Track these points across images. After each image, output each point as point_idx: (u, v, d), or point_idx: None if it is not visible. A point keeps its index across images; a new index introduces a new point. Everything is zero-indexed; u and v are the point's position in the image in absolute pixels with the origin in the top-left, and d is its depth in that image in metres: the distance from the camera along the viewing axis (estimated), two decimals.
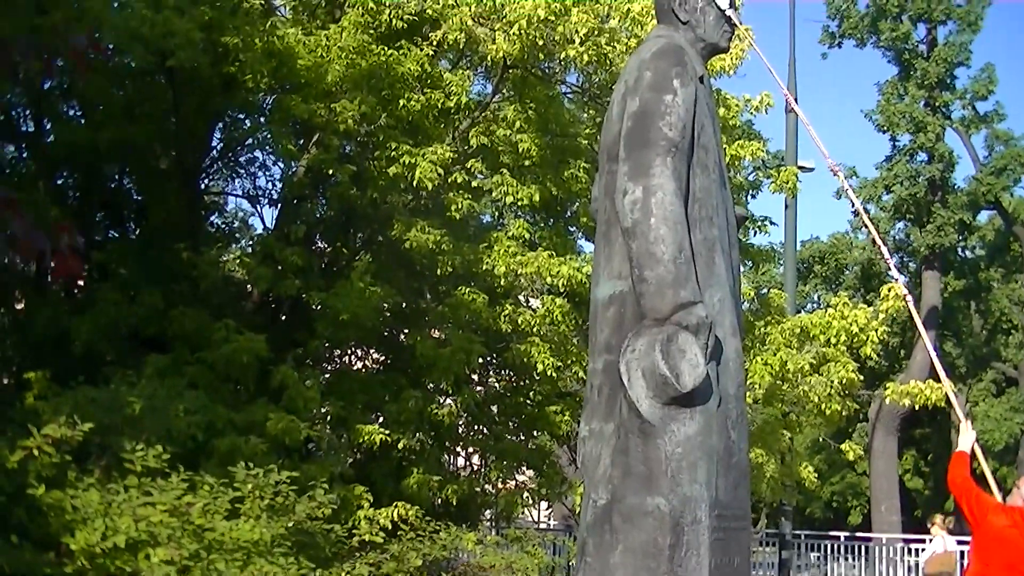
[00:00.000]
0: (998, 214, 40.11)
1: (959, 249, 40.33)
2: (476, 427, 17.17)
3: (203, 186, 17.54)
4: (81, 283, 15.43)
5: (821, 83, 69.16)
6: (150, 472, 9.53)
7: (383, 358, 17.43)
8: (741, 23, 6.07)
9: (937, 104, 36.09)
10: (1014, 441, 38.33)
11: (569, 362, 15.12)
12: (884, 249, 7.85)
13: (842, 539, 30.62)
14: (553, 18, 13.93)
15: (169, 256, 15.16)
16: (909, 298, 8.25)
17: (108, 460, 9.92)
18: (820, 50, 38.61)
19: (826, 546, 29.31)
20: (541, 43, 14.53)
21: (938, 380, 15.78)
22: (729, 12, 5.88)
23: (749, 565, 5.55)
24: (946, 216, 36.03)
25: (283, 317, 16.28)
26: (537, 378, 15.63)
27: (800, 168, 20.29)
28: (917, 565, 26.15)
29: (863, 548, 28.16)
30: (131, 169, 17.08)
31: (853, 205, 37.52)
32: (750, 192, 20.64)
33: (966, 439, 7.65)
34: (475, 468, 18.01)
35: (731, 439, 5.32)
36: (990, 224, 43.61)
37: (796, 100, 22.31)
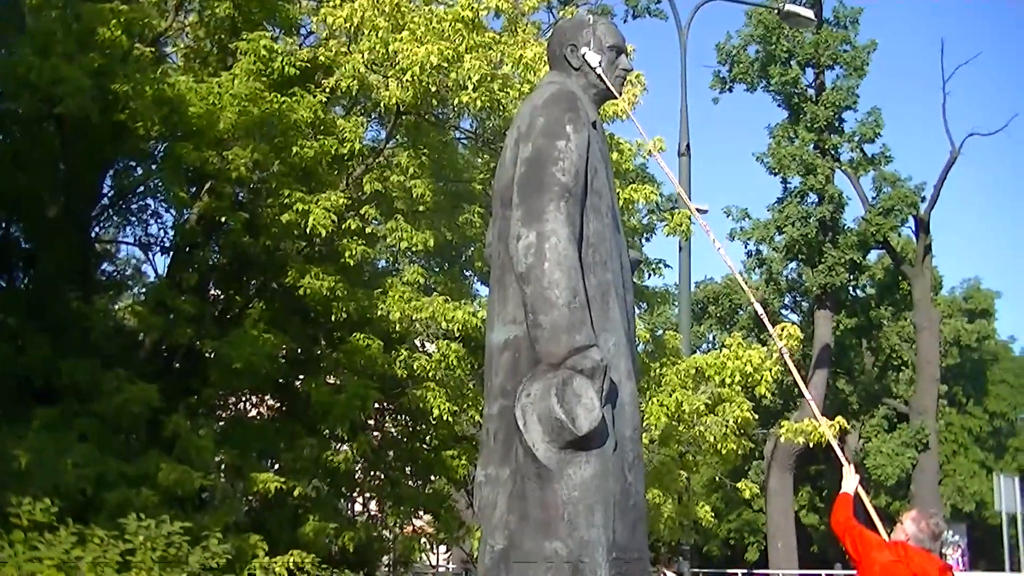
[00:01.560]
0: (887, 253, 40.85)
1: (850, 288, 40.93)
2: (373, 473, 17.09)
3: (94, 234, 17.29)
4: None
5: (714, 127, 70.24)
6: (37, 526, 9.36)
7: (278, 405, 17.27)
8: (631, 69, 6.13)
9: (826, 147, 36.71)
10: (906, 476, 38.86)
11: (465, 406, 15.13)
12: (757, 305, 7.91)
13: None
14: (446, 64, 13.98)
15: (59, 305, 14.91)
16: (786, 353, 8.36)
17: None
18: (712, 95, 39.06)
19: None
20: (434, 89, 14.59)
21: (831, 418, 16.05)
22: (598, 69, 5.93)
23: None
24: (837, 256, 36.60)
25: (176, 365, 16.06)
26: (433, 423, 15.58)
27: (699, 210, 20.48)
28: None
29: None
30: (19, 217, 16.78)
31: (745, 247, 37.96)
32: (644, 235, 20.81)
33: (849, 482, 7.76)
34: (372, 514, 17.91)
35: (628, 481, 5.33)
36: (879, 263, 44.43)
37: (688, 144, 22.59)
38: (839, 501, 7.84)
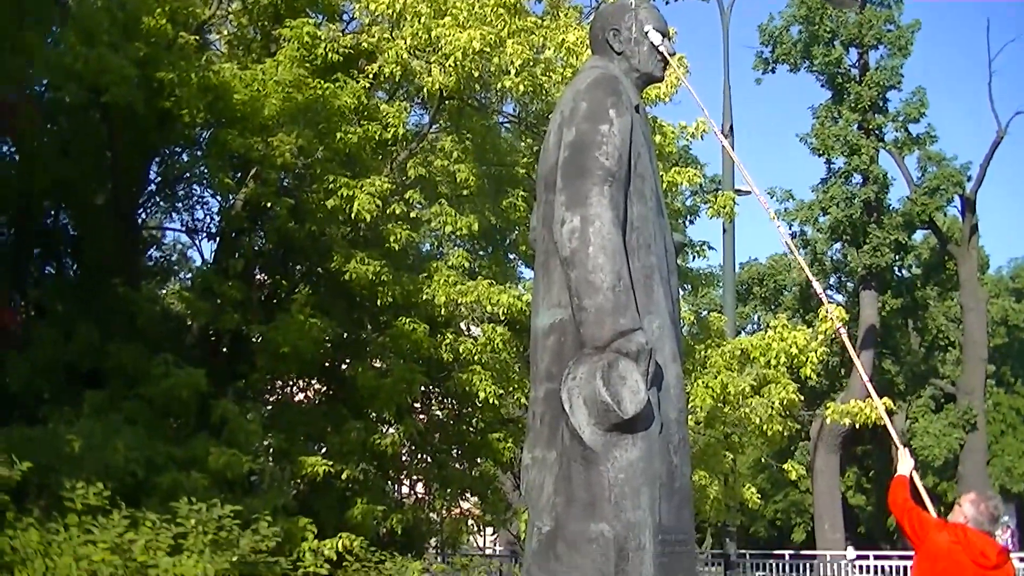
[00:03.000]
0: (932, 233, 40.64)
1: (895, 269, 40.77)
2: (419, 456, 17.14)
3: (140, 221, 17.45)
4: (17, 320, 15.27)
5: (756, 108, 69.96)
6: (91, 510, 9.46)
7: (324, 389, 17.36)
8: (674, 53, 6.13)
9: (870, 127, 36.54)
10: (953, 456, 38.67)
11: (511, 389, 15.15)
12: (814, 281, 7.90)
13: (787, 558, 30.79)
14: (488, 50, 13.99)
15: (106, 292, 15.05)
16: (843, 331, 8.32)
17: (47, 499, 9.83)
18: (755, 75, 38.94)
19: (771, 565, 29.42)
20: (477, 74, 14.61)
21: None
22: (661, 47, 5.94)
23: None
24: (882, 236, 36.45)
25: (223, 351, 16.20)
26: (479, 406, 15.65)
27: (737, 192, 20.43)
28: None
29: (808, 566, 28.31)
30: (67, 205, 16.96)
31: (789, 229, 37.79)
32: (688, 217, 20.80)
33: (904, 465, 7.71)
34: (419, 496, 17.98)
35: (673, 464, 5.34)
36: (925, 243, 44.15)
37: (732, 126, 22.56)
38: (895, 483, 7.80)
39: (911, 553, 7.99)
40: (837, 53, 36.63)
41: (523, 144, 17.47)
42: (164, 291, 18.74)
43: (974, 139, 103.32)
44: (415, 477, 17.65)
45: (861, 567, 27.21)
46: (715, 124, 8.92)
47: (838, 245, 39.43)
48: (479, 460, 16.93)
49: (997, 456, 47.15)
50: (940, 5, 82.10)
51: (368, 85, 15.28)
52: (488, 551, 30.25)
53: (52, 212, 17.35)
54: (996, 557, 7.38)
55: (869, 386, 8.56)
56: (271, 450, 14.44)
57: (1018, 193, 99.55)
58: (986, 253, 47.45)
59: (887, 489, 8.01)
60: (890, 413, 9.62)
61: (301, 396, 17.59)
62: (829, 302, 17.73)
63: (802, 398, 17.86)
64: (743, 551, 29.60)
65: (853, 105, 36.30)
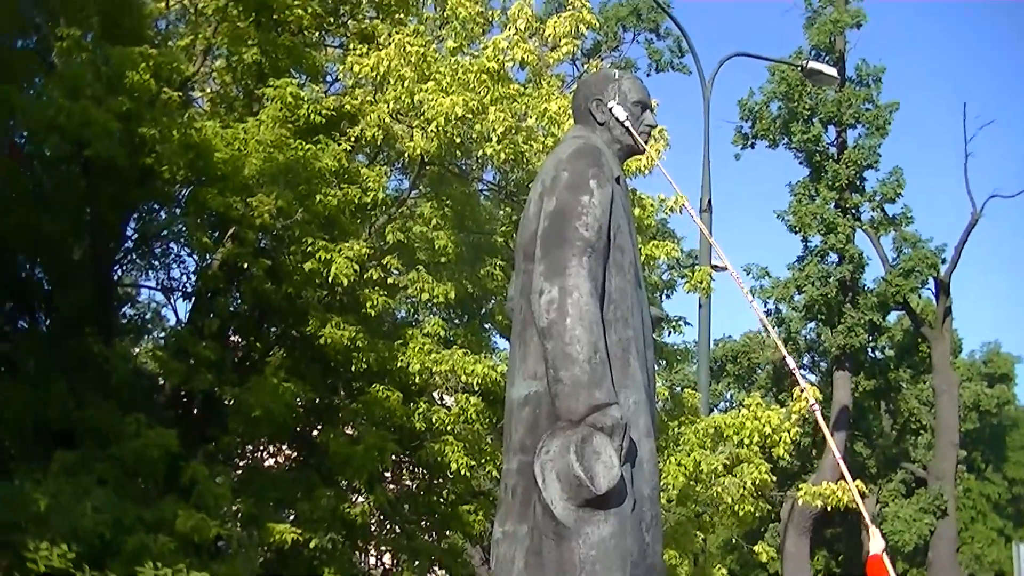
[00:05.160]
0: (907, 315, 40.77)
1: (869, 349, 40.88)
2: (388, 526, 16.99)
3: (116, 277, 17.32)
4: None
5: (735, 183, 70.31)
6: (54, 572, 9.31)
7: (295, 455, 17.21)
8: (655, 125, 6.14)
9: (847, 206, 36.78)
10: (923, 542, 38.60)
11: (483, 461, 15.04)
12: (789, 360, 7.88)
13: None
14: (471, 116, 14.03)
15: (79, 347, 14.92)
16: (817, 409, 8.30)
17: (10, 559, 9.67)
18: (734, 150, 39.23)
19: None
20: (458, 141, 14.65)
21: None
22: (626, 122, 5.94)
23: None
24: (856, 317, 36.57)
25: (195, 412, 16.04)
26: (451, 477, 15.51)
27: (714, 267, 20.46)
28: None
29: None
30: (42, 259, 16.83)
31: (764, 306, 37.91)
32: (665, 291, 20.81)
33: (876, 543, 7.68)
34: (387, 568, 17.80)
35: (645, 541, 5.29)
36: (899, 325, 44.30)
37: (710, 200, 22.57)
38: (873, 566, 7.74)
39: None
40: (816, 130, 36.94)
41: (502, 212, 17.49)
42: (137, 349, 18.57)
43: (950, 221, 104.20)
44: (383, 547, 17.48)
45: None
46: (688, 202, 8.94)
47: (812, 324, 39.54)
48: (448, 532, 16.80)
49: (967, 543, 47.19)
50: (919, 86, 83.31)
51: (349, 148, 15.30)
52: None
53: (27, 265, 17.21)
54: None
55: (843, 465, 8.49)
56: (239, 515, 14.27)
57: (992, 277, 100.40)
58: (959, 337, 47.76)
59: (863, 572, 7.93)
60: (862, 495, 9.59)
61: (272, 461, 17.44)
62: (801, 393, 17.70)
63: (774, 478, 17.77)
64: None
65: (831, 183, 36.56)
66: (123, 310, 18.87)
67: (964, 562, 44.85)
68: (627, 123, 5.94)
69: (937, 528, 37.92)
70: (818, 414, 7.79)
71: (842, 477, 17.77)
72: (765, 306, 38.59)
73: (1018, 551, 27.40)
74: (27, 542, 9.49)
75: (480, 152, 14.89)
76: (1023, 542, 29.63)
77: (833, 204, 36.86)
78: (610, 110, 5.94)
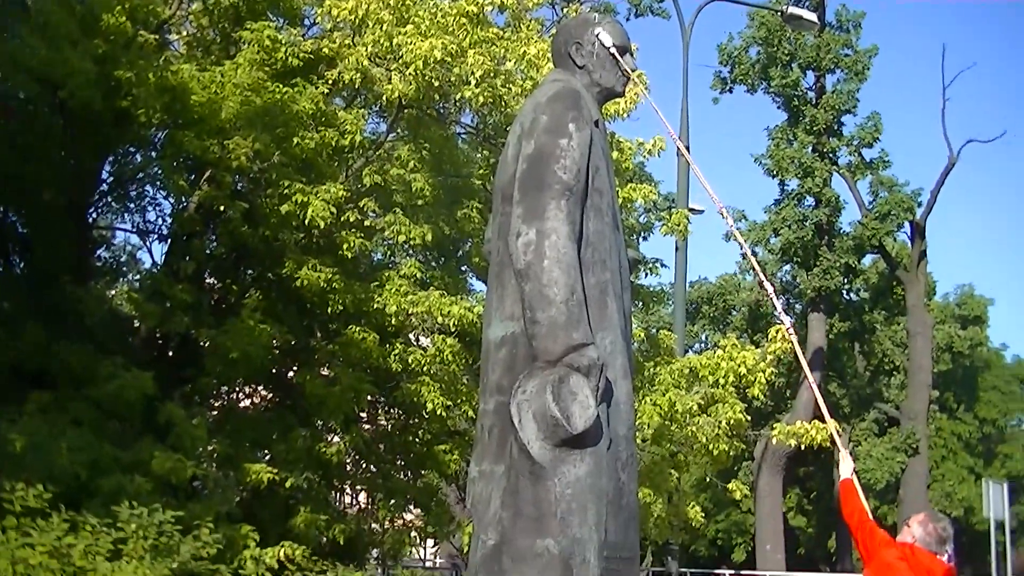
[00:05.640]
0: (882, 258, 40.95)
1: (844, 292, 41.03)
2: (364, 465, 17.07)
3: (92, 220, 17.26)
4: None
5: (713, 127, 70.35)
6: (30, 512, 9.35)
7: (272, 396, 17.26)
8: (635, 69, 6.15)
9: (825, 150, 36.78)
10: (895, 480, 38.97)
11: (459, 401, 15.11)
12: (771, 290, 7.96)
13: None
14: (449, 59, 13.99)
15: (54, 291, 14.90)
16: (795, 339, 8.40)
17: None
18: (712, 95, 39.11)
19: None
20: (437, 84, 14.59)
21: (823, 420, 16.06)
22: (622, 60, 5.95)
23: None
24: (832, 260, 36.71)
25: (171, 354, 16.07)
26: (427, 417, 15.61)
27: (690, 211, 20.48)
28: None
29: None
30: (18, 203, 16.75)
31: (741, 248, 38.09)
32: (642, 234, 20.82)
33: (846, 466, 7.83)
34: (363, 507, 17.90)
35: (621, 480, 5.34)
36: (874, 268, 44.47)
37: (688, 144, 22.59)
38: (845, 490, 7.87)
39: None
40: (794, 75, 36.88)
41: (480, 155, 17.48)
42: (113, 292, 18.54)
43: (926, 165, 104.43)
44: (359, 487, 17.57)
45: None
46: (679, 140, 8.97)
47: (788, 267, 39.67)
48: (424, 472, 16.89)
49: (938, 481, 47.63)
50: (898, 31, 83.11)
51: (327, 91, 15.24)
52: (429, 564, 30.18)
53: (2, 209, 17.14)
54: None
55: (819, 397, 8.64)
56: (216, 456, 14.33)
57: (967, 220, 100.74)
58: (934, 279, 47.89)
59: (837, 498, 8.10)
60: (836, 433, 9.73)
61: (248, 402, 17.47)
62: (778, 323, 17.80)
63: (748, 418, 17.89)
64: (684, 570, 29.67)
65: (808, 127, 36.56)
66: (98, 253, 18.82)
67: (935, 499, 45.26)
68: (612, 49, 5.94)
69: (909, 466, 38.28)
70: (795, 341, 7.89)
71: (816, 416, 17.95)
72: (741, 249, 38.65)
73: (987, 488, 27.65)
74: (3, 482, 9.51)
75: (458, 95, 14.86)
76: (992, 480, 29.89)
77: (810, 148, 36.87)
78: (596, 35, 5.94)
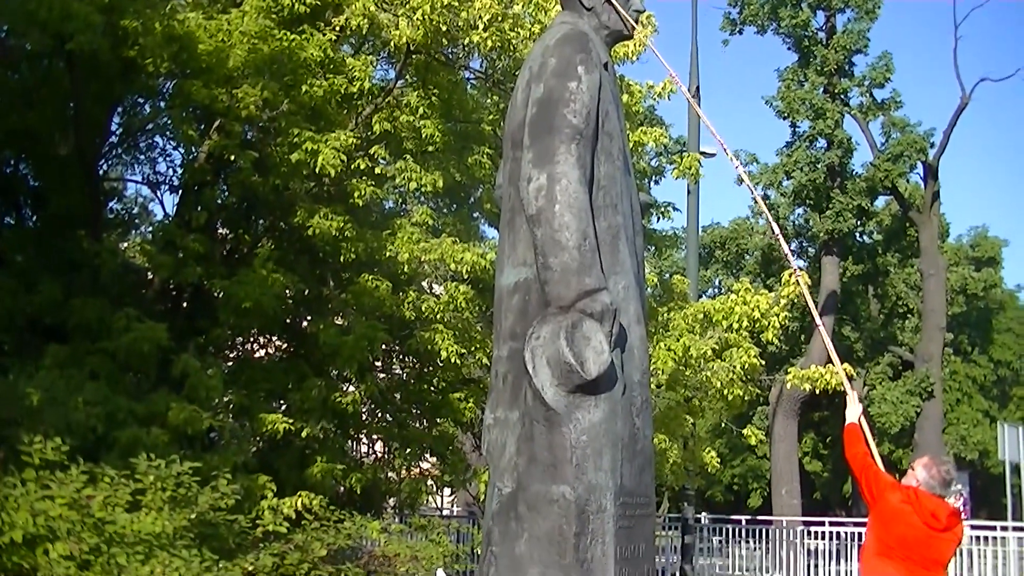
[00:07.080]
0: (895, 200, 40.75)
1: (857, 234, 40.90)
2: (380, 414, 17.09)
3: (102, 172, 17.22)
4: None
5: (723, 69, 69.96)
6: (49, 465, 9.35)
7: (286, 346, 17.26)
8: (643, 10, 6.08)
9: (836, 91, 36.59)
10: (910, 424, 38.97)
11: (473, 349, 15.11)
12: (781, 239, 7.93)
13: (743, 523, 31.00)
14: (457, 4, 13.90)
15: (67, 243, 14.89)
16: (803, 283, 8.36)
17: (5, 453, 9.70)
18: (722, 36, 38.89)
19: (728, 530, 29.58)
20: (445, 29, 14.50)
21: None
22: (630, 0, 5.89)
23: (654, 551, 5.58)
24: (844, 202, 36.56)
25: (184, 305, 16.06)
26: (441, 365, 15.62)
27: (702, 154, 20.39)
28: (816, 548, 26.59)
29: (764, 531, 28.49)
30: (28, 155, 16.72)
31: (751, 192, 37.94)
32: (653, 178, 20.75)
33: (853, 410, 7.80)
34: (378, 456, 17.94)
35: (636, 426, 5.33)
36: (887, 209, 44.29)
37: (699, 86, 22.49)
38: (850, 434, 7.83)
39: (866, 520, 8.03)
40: (804, 15, 36.61)
41: (489, 101, 17.37)
42: (125, 244, 18.52)
43: (939, 105, 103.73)
44: (375, 436, 17.60)
45: (816, 533, 27.40)
46: (682, 84, 8.90)
47: (801, 210, 39.54)
48: (439, 420, 16.90)
49: (952, 424, 47.62)
50: None
51: (334, 38, 15.15)
52: (446, 512, 30.31)
53: (12, 162, 17.10)
54: (946, 519, 7.43)
55: (829, 345, 8.60)
56: (231, 406, 14.34)
57: (980, 161, 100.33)
58: (947, 221, 47.77)
59: (842, 440, 8.05)
60: (849, 379, 9.69)
61: (262, 352, 17.49)
62: (792, 269, 17.75)
63: (763, 363, 17.89)
64: (700, 515, 29.79)
65: (819, 68, 36.36)
66: (110, 205, 18.80)
67: (949, 443, 45.29)
68: (630, 5, 5.90)
69: (923, 410, 38.28)
70: (803, 285, 7.85)
71: (830, 361, 17.94)
72: (751, 193, 38.51)
73: (1002, 431, 27.60)
74: (21, 435, 9.51)
75: (467, 40, 14.77)
76: (1007, 422, 29.86)
77: (822, 89, 36.68)
78: None
